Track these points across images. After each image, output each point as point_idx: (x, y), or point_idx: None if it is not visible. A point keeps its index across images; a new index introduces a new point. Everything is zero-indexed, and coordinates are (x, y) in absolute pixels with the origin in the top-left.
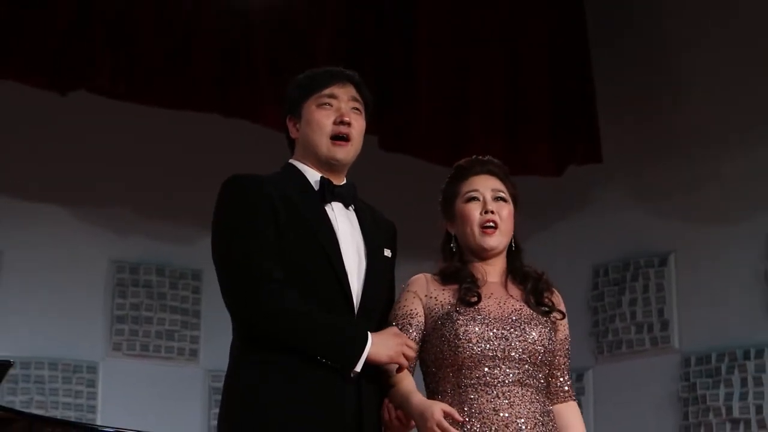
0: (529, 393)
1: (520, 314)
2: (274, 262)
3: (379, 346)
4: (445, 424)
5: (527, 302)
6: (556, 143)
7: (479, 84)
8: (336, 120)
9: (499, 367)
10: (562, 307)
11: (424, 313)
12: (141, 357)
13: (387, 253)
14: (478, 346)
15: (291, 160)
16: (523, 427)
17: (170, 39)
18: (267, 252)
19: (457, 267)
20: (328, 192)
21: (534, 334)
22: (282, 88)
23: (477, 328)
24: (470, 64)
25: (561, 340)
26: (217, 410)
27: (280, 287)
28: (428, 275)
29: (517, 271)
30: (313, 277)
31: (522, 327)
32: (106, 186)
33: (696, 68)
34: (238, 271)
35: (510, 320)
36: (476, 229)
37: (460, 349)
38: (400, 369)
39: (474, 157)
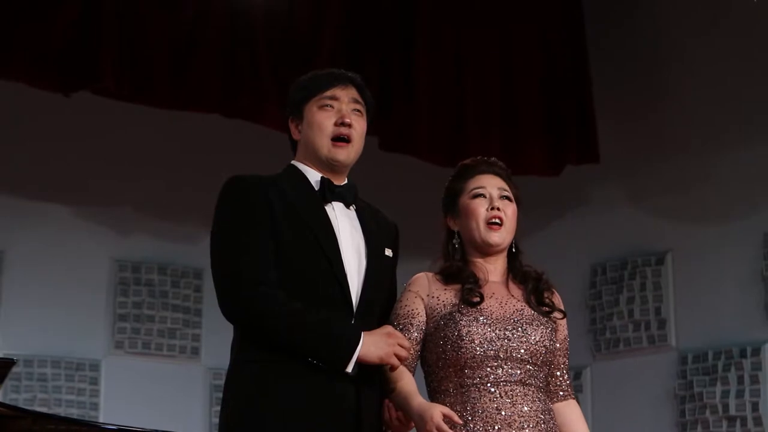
0: (531, 392)
1: (522, 314)
2: (267, 263)
3: (370, 346)
4: (444, 426)
5: (528, 302)
6: (554, 144)
7: (477, 85)
8: (337, 121)
9: (501, 367)
10: (562, 308)
11: (426, 313)
12: (143, 355)
13: (388, 252)
14: (481, 347)
15: (293, 161)
16: (525, 427)
17: (174, 41)
18: (260, 253)
19: (459, 266)
20: (329, 192)
21: (536, 334)
22: (284, 89)
23: (480, 329)
24: (468, 65)
25: (561, 340)
26: (218, 408)
27: (270, 288)
28: (430, 274)
29: (516, 271)
30: (313, 277)
31: (524, 327)
32: (108, 185)
33: (691, 68)
34: (228, 271)
35: (512, 320)
36: (482, 225)
37: (462, 350)
38: (392, 368)
39: (479, 157)
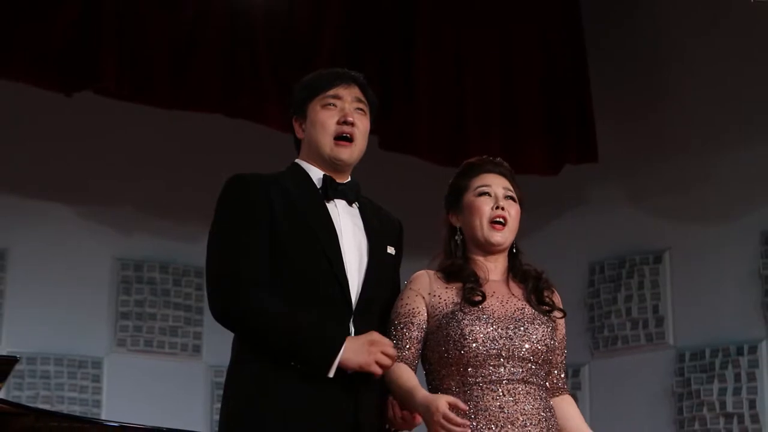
0: (533, 390)
1: (523, 313)
2: (259, 265)
3: (350, 353)
4: (452, 415)
5: (529, 301)
6: (553, 143)
7: (477, 85)
8: (339, 120)
9: (504, 365)
10: (562, 307)
11: (427, 311)
12: (145, 353)
13: (390, 250)
14: (484, 346)
15: (296, 160)
16: (528, 424)
17: (174, 41)
18: (251, 254)
19: (460, 265)
20: (331, 189)
21: (537, 333)
22: (284, 89)
23: (482, 328)
24: (468, 65)
25: (559, 338)
26: (219, 405)
27: (258, 290)
28: (431, 272)
29: (516, 270)
30: (313, 276)
31: (525, 326)
32: (110, 185)
33: (690, 68)
34: (217, 271)
35: (514, 319)
36: (486, 223)
37: (465, 349)
38: (375, 375)
39: (485, 156)
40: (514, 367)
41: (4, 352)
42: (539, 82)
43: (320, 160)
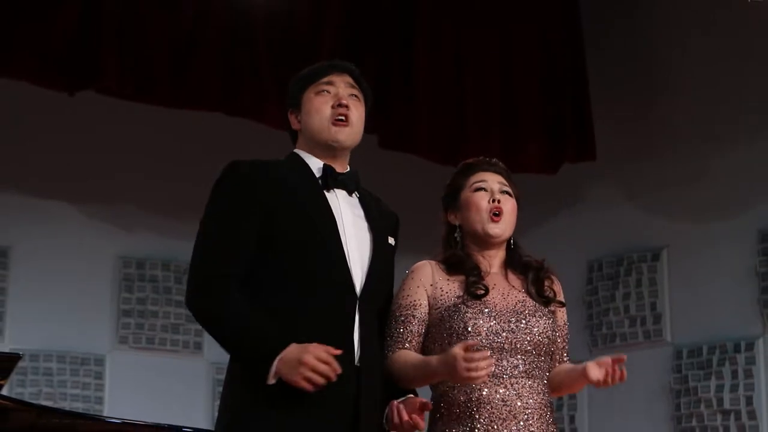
0: (535, 384)
1: (525, 305)
2: (236, 259)
3: (282, 366)
4: (470, 354)
5: (529, 293)
6: (551, 142)
7: (477, 84)
8: (334, 104)
9: (506, 359)
10: (561, 296)
11: (429, 303)
12: (147, 350)
13: (390, 241)
14: (487, 339)
15: (295, 150)
16: (530, 418)
17: (175, 41)
18: (232, 248)
19: (461, 256)
20: (331, 179)
21: (539, 325)
22: (284, 88)
23: (486, 321)
24: (468, 65)
25: (560, 325)
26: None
27: (222, 286)
28: (433, 263)
29: (516, 261)
30: (314, 264)
31: (527, 319)
32: (113, 183)
33: (686, 66)
34: (194, 260)
35: (515, 312)
36: (484, 215)
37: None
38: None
39: (481, 157)
40: (516, 360)
41: (6, 350)
42: (538, 81)
43: (318, 147)
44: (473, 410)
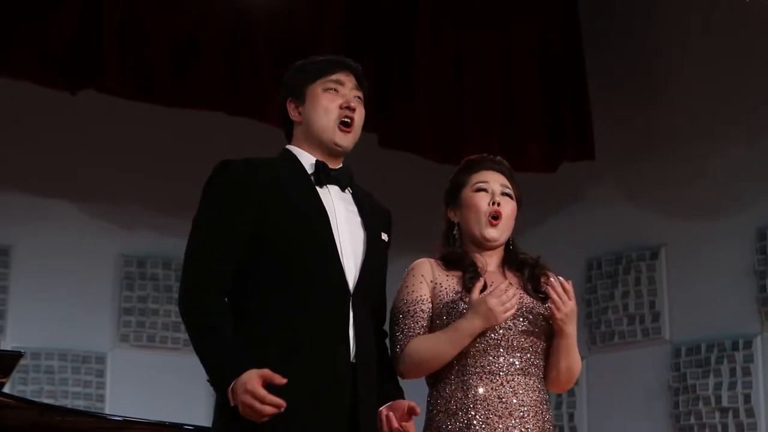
0: (531, 382)
1: (522, 303)
2: (227, 256)
3: (236, 390)
4: (497, 288)
5: (525, 290)
6: (550, 141)
7: (477, 84)
8: (342, 104)
9: (503, 356)
10: None
11: (431, 299)
12: (148, 348)
13: (384, 237)
14: (484, 336)
15: (288, 146)
16: (526, 415)
17: (176, 40)
18: (221, 246)
19: (459, 254)
20: (324, 175)
21: (536, 323)
22: None
23: None
24: (468, 65)
25: None
26: None
27: (208, 294)
28: (431, 260)
29: (513, 259)
30: (308, 263)
31: (525, 316)
32: (113, 182)
33: (684, 67)
34: (186, 264)
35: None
36: (482, 218)
37: None
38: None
39: (485, 154)
40: (513, 357)
41: (8, 348)
42: (538, 81)
43: (316, 144)
44: (470, 407)
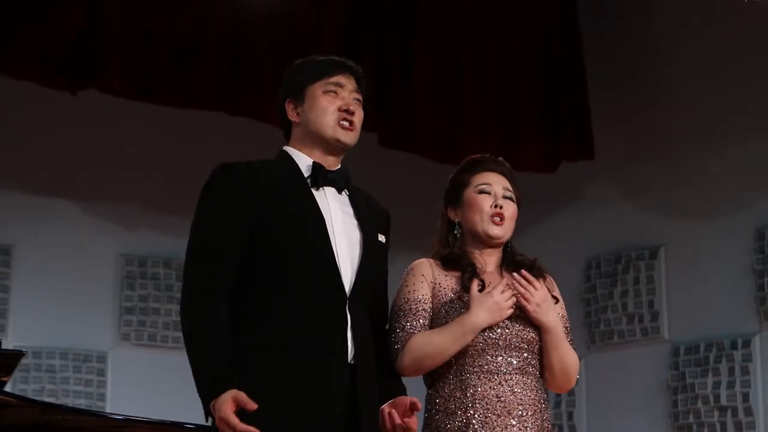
0: (529, 381)
1: (519, 303)
2: (228, 258)
3: (214, 407)
4: (501, 284)
5: None
6: (550, 141)
7: (475, 84)
8: (341, 107)
9: (501, 355)
10: (556, 292)
11: (431, 299)
12: (149, 347)
13: (381, 238)
14: (482, 336)
15: (285, 147)
16: (524, 414)
17: (177, 41)
18: (221, 248)
19: (458, 253)
20: (321, 177)
21: (533, 323)
22: None
23: None
24: (467, 64)
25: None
26: None
27: (207, 299)
28: (430, 260)
29: (510, 260)
30: (304, 266)
31: (522, 316)
32: (115, 181)
33: (683, 67)
34: (187, 268)
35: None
36: (485, 218)
37: None
38: None
39: (487, 154)
40: (510, 356)
41: (9, 347)
42: (538, 81)
43: (316, 143)
44: (468, 406)
